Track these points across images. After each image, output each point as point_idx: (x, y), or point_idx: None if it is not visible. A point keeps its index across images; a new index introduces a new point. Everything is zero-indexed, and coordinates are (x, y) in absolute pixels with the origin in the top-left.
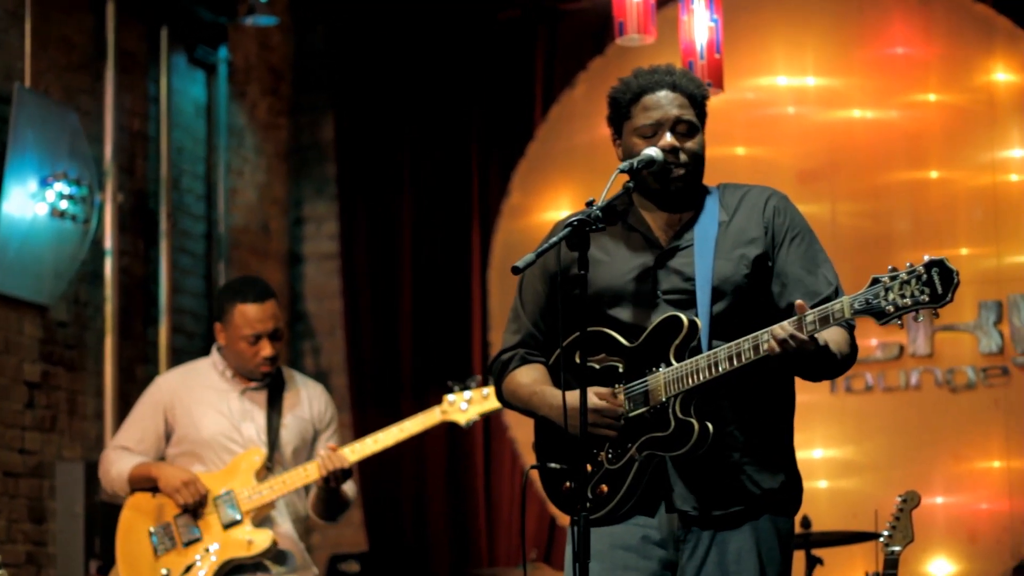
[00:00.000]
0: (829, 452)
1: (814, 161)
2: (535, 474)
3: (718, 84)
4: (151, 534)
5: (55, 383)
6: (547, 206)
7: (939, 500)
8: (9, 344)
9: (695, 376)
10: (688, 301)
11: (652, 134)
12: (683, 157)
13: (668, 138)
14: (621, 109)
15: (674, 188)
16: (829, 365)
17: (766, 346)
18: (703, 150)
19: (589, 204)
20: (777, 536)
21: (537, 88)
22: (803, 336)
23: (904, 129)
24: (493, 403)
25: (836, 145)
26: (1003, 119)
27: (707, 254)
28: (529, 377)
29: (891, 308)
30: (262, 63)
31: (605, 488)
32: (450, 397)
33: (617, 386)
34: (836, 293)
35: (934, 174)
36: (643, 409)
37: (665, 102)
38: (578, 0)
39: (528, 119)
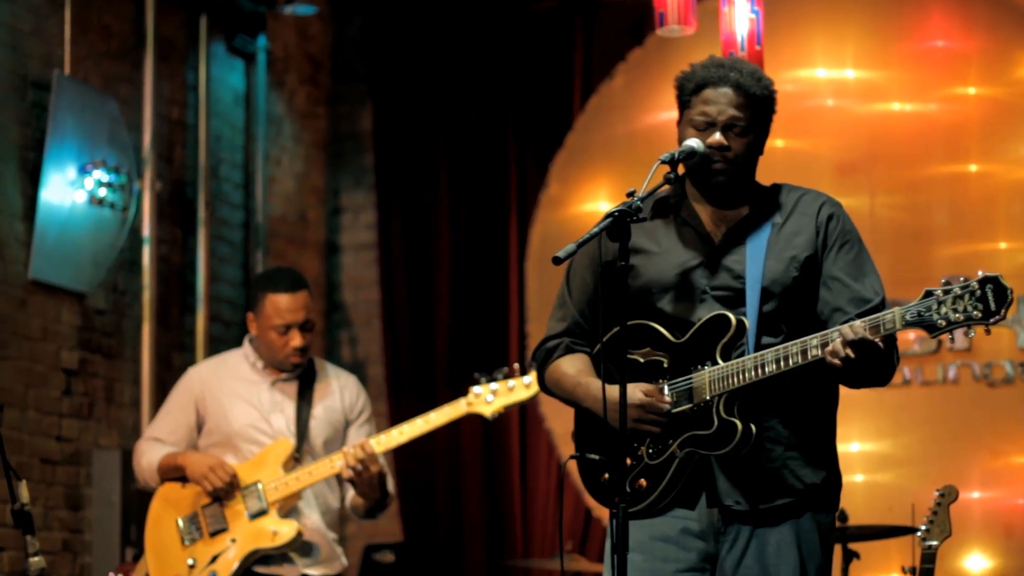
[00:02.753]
0: (866, 446)
1: (853, 154)
2: (572, 465)
3: None
4: (179, 524)
5: (92, 371)
6: (585, 197)
7: (975, 495)
8: (47, 332)
9: (740, 376)
10: (736, 299)
11: (704, 128)
12: (728, 155)
13: (717, 136)
14: (683, 96)
15: (714, 183)
16: (878, 372)
17: (815, 351)
18: (754, 151)
19: (630, 195)
20: (818, 531)
21: (576, 79)
22: (875, 339)
23: (943, 122)
24: (519, 395)
25: (875, 138)
26: None
27: (759, 253)
28: (573, 367)
29: (943, 322)
30: (301, 52)
31: (644, 482)
32: (476, 389)
33: (661, 381)
34: (882, 304)
35: (973, 167)
36: (686, 406)
37: (724, 100)
38: None
39: (567, 110)
